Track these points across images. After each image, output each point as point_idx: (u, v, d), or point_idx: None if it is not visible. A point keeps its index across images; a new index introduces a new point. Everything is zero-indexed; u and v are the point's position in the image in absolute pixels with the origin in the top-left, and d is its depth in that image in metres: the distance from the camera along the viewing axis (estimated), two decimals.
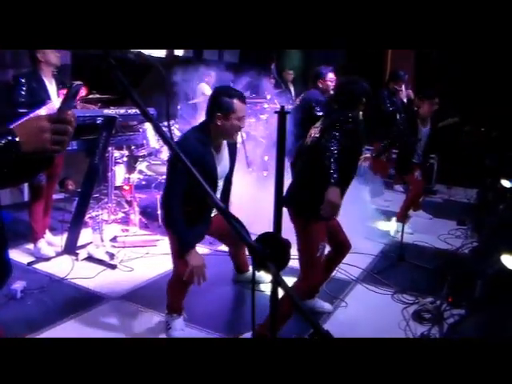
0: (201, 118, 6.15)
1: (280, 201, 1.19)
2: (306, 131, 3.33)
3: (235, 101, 2.96)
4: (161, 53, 6.95)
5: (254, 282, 1.10)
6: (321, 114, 4.39)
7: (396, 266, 4.45)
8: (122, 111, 4.11)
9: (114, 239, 4.59)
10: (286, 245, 1.12)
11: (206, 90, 6.62)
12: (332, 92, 4.63)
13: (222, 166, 3.19)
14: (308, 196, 3.00)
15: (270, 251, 1.02)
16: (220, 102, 2.96)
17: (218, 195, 3.25)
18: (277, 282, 1.00)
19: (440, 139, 5.76)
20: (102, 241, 4.42)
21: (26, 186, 4.65)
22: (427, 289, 3.91)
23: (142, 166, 5.46)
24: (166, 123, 5.43)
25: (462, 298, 3.63)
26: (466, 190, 7.47)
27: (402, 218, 5.10)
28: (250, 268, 3.74)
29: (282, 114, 1.19)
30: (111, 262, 4.17)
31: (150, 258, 4.41)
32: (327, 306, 3.62)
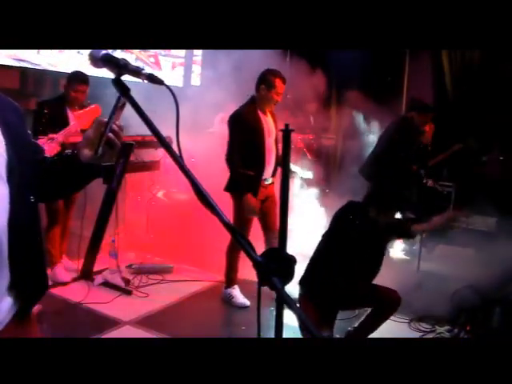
0: (217, 146, 6.21)
1: (285, 216, 1.21)
2: None
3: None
4: (178, 82, 7.06)
5: (260, 298, 1.11)
6: None
7: (412, 294, 4.37)
8: (139, 138, 4.19)
9: (129, 265, 4.63)
10: (291, 260, 1.13)
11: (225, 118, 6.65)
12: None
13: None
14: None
15: (275, 266, 1.04)
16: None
17: None
18: (281, 297, 1.01)
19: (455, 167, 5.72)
20: (118, 266, 4.45)
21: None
22: (444, 317, 3.85)
23: (159, 193, 5.51)
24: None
25: (480, 326, 3.57)
26: (484, 218, 7.36)
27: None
28: None
29: (286, 131, 1.23)
30: (127, 288, 4.20)
31: (165, 285, 4.43)
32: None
